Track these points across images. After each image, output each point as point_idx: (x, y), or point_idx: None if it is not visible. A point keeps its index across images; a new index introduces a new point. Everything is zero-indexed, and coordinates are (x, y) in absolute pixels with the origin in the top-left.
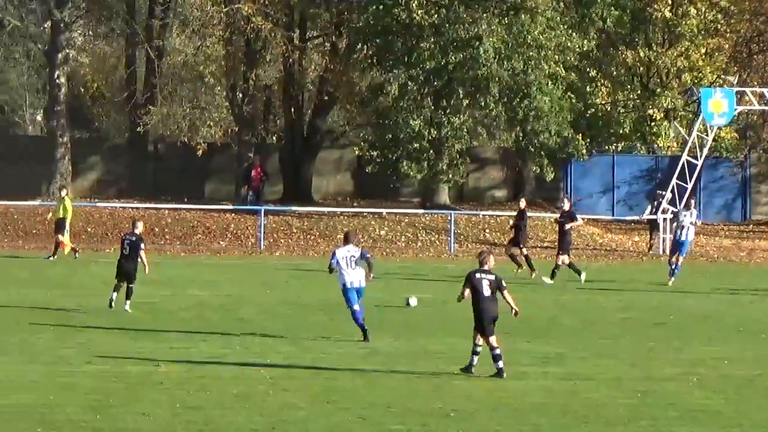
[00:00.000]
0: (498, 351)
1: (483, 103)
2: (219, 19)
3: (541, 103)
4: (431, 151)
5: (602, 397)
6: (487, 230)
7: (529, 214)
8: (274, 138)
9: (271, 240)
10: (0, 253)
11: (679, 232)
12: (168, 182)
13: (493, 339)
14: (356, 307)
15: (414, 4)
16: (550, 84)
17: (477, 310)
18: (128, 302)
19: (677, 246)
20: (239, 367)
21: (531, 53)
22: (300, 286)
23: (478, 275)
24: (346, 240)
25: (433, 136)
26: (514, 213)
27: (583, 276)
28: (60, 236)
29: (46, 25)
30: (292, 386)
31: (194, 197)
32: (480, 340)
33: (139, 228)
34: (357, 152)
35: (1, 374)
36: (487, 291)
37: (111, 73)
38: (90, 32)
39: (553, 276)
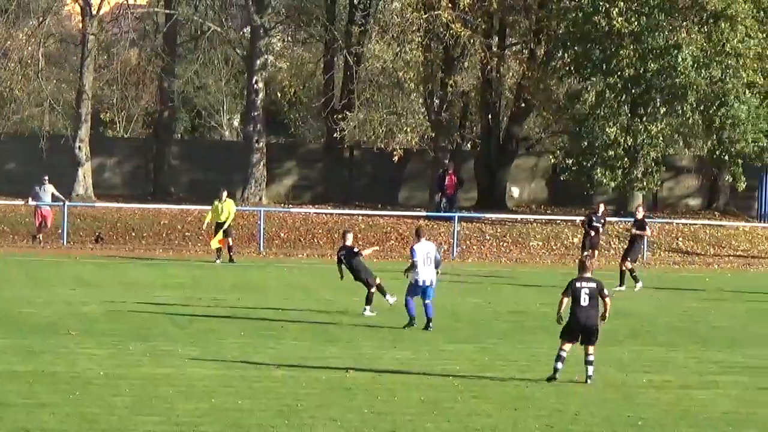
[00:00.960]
0: (592, 358)
1: (680, 111)
2: (418, 25)
3: (738, 111)
4: (626, 159)
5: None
6: (680, 239)
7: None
8: (469, 145)
9: (464, 246)
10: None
11: None
12: (362, 188)
13: (590, 348)
14: (413, 300)
15: (614, 12)
16: (747, 92)
17: (572, 318)
18: (368, 307)
19: None
20: (427, 374)
21: (729, 61)
22: (493, 292)
23: (578, 283)
24: (418, 236)
25: (629, 144)
26: (709, 222)
27: (640, 285)
28: (227, 238)
29: (245, 31)
30: (481, 393)
31: (388, 203)
32: (567, 346)
33: (349, 239)
34: (552, 160)
35: (197, 377)
36: (585, 300)
37: (308, 79)
38: (289, 38)
39: (621, 282)
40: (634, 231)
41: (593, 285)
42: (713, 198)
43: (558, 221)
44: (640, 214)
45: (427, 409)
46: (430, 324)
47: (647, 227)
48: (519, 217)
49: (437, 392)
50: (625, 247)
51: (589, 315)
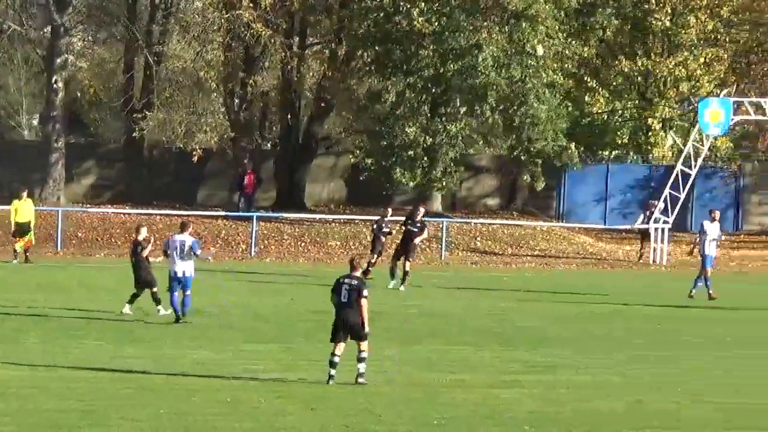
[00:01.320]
0: (364, 355)
1: (480, 111)
2: (219, 25)
3: (538, 111)
4: (425, 159)
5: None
6: (479, 238)
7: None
8: (269, 144)
9: (262, 246)
10: None
11: (705, 245)
12: (163, 188)
13: (362, 345)
14: (177, 294)
15: (415, 12)
16: (547, 92)
17: (336, 317)
18: (160, 307)
19: (703, 260)
20: (229, 374)
21: (530, 61)
22: (292, 292)
23: (341, 280)
24: (183, 229)
25: (428, 143)
26: (507, 222)
27: (393, 284)
28: (22, 239)
29: (46, 30)
30: (286, 393)
31: (188, 203)
32: (338, 350)
33: (142, 233)
34: (352, 159)
35: (2, 378)
36: (345, 297)
37: (109, 79)
38: (90, 37)
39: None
40: (409, 229)
41: (355, 283)
42: (512, 198)
43: (356, 221)
44: (419, 215)
45: (231, 409)
46: (183, 317)
47: (426, 229)
48: (318, 216)
49: (240, 392)
50: (401, 246)
51: (349, 313)
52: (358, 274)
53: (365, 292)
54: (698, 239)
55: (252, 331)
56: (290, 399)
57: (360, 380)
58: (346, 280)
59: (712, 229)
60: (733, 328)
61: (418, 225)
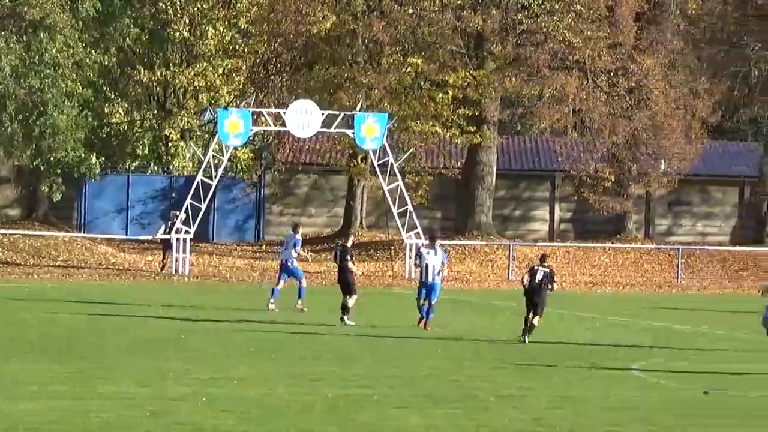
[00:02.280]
0: None
1: None
2: None
3: (57, 120)
4: None
5: (113, 416)
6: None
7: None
8: None
9: None
10: None
11: (425, 272)
12: None
13: None
14: None
15: None
16: (67, 102)
17: None
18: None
19: (428, 289)
20: None
21: (48, 71)
22: None
23: None
24: None
25: None
26: (28, 232)
27: None
28: None
29: None
30: None
31: None
32: None
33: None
34: None
35: None
36: None
37: None
38: None
39: None
40: None
41: None
42: (33, 208)
43: None
44: None
45: None
46: None
47: None
48: None
49: None
50: None
51: None
52: None
53: None
54: None
55: None
56: None
57: None
58: None
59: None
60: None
61: None
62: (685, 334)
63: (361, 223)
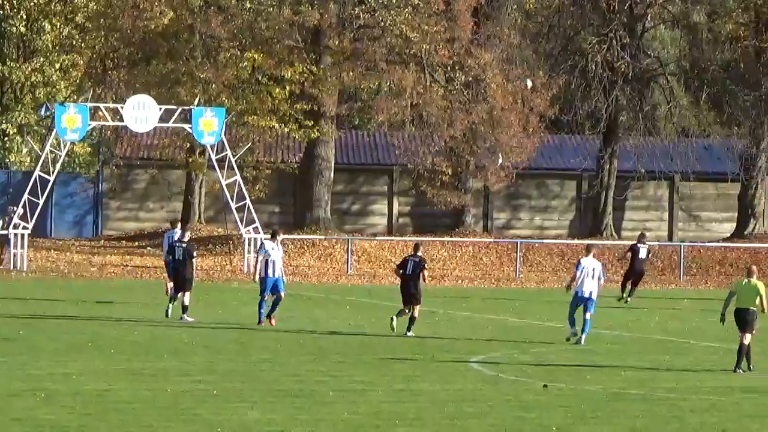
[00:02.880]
0: None
1: None
2: None
3: None
4: None
5: None
6: None
7: None
8: None
9: None
10: None
11: (269, 268)
12: None
13: None
14: None
15: None
16: None
17: None
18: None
19: (272, 284)
20: None
21: None
22: None
23: None
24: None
25: None
26: None
27: None
28: None
29: None
30: None
31: None
32: None
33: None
34: None
35: None
36: None
37: None
38: None
39: None
40: None
41: None
42: None
43: None
44: None
45: None
46: None
47: None
48: None
49: None
50: None
51: None
52: None
53: None
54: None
55: None
56: None
57: None
58: None
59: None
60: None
61: None
62: (524, 328)
63: (199, 217)
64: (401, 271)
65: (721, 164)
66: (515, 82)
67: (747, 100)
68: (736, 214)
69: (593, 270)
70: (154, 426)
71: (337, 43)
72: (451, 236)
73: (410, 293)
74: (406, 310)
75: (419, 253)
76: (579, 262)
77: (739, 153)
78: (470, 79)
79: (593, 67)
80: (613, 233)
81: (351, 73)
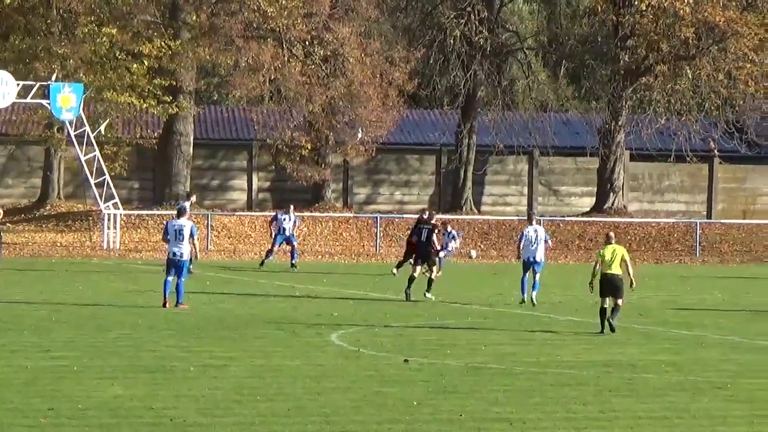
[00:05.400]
0: None
1: None
2: None
3: None
4: None
5: None
6: None
7: None
8: None
9: None
10: None
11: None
12: None
13: None
14: None
15: None
16: None
17: None
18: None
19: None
20: None
21: None
22: None
23: None
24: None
25: None
26: None
27: None
28: None
29: None
30: None
31: None
32: None
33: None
34: None
35: None
36: None
37: None
38: None
39: None
40: None
41: None
42: None
43: None
44: None
45: None
46: None
47: None
48: None
49: None
50: None
51: None
52: None
53: None
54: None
55: None
56: None
57: None
58: None
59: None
60: None
61: None
62: (384, 303)
63: (58, 194)
64: (415, 237)
65: (580, 139)
66: (373, 56)
67: (605, 75)
68: (595, 189)
69: (536, 236)
70: (14, 402)
71: (194, 18)
72: (311, 211)
73: (424, 254)
74: (413, 265)
75: (433, 221)
76: (522, 233)
77: (598, 127)
78: (328, 53)
79: (451, 41)
80: (473, 208)
81: (208, 49)
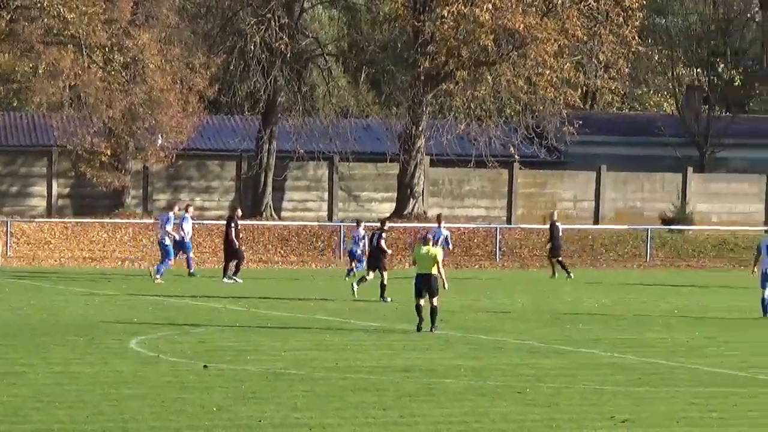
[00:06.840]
0: None
1: None
2: None
3: None
4: None
5: None
6: None
7: None
8: None
9: None
10: None
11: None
12: None
13: None
14: None
15: None
16: None
17: None
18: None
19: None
20: None
21: None
22: None
23: None
24: None
25: None
26: None
27: None
28: None
29: None
30: None
31: None
32: None
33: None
34: None
35: None
36: None
37: None
38: None
39: None
40: None
41: None
42: None
43: None
44: None
45: None
46: None
47: None
48: None
49: None
50: None
51: None
52: None
53: None
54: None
55: None
56: None
57: None
58: None
59: None
60: None
61: None
62: (185, 309)
63: None
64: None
65: (381, 144)
66: (173, 62)
67: (405, 81)
68: (395, 194)
69: (438, 238)
70: None
71: None
72: (111, 217)
73: (375, 259)
74: (368, 269)
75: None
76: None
77: (398, 133)
78: (129, 60)
79: (252, 47)
80: (273, 214)
81: (7, 55)
